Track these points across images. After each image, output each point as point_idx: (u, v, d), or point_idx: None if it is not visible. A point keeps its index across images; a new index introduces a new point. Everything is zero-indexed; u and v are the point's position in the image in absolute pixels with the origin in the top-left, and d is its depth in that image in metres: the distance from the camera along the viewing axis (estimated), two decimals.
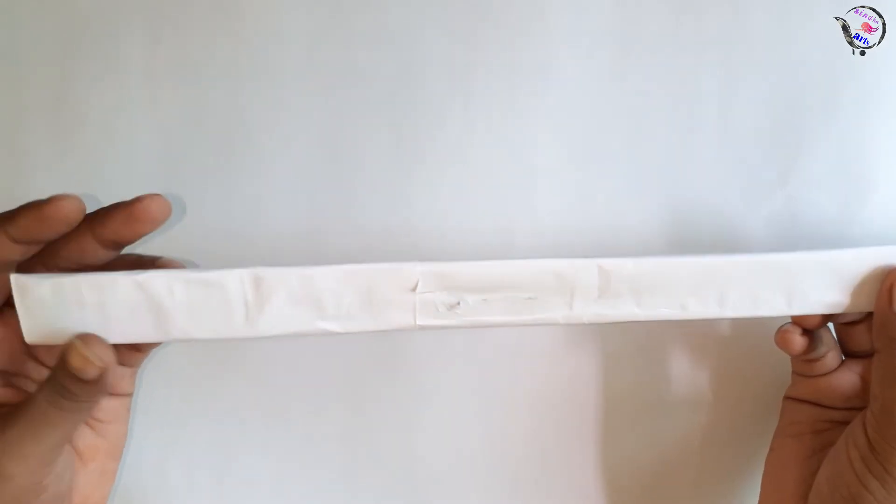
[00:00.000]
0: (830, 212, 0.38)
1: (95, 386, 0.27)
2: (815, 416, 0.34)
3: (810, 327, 0.32)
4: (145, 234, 0.29)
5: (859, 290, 0.31)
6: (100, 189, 0.36)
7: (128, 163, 0.36)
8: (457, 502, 0.39)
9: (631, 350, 0.39)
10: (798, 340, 0.32)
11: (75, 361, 0.26)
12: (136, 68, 0.36)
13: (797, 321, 0.32)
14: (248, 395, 0.38)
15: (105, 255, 0.29)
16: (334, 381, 0.38)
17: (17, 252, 0.28)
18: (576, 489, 0.39)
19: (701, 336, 0.39)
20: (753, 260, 0.30)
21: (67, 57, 0.36)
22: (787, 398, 0.36)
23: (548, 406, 0.39)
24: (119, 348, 0.30)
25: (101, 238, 0.28)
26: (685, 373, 0.39)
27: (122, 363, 0.32)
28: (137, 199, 0.28)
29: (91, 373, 0.27)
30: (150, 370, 0.37)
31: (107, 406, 0.32)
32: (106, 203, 0.29)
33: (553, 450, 0.39)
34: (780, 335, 0.33)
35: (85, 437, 0.31)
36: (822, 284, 0.30)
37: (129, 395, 0.33)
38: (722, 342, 0.39)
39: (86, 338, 0.27)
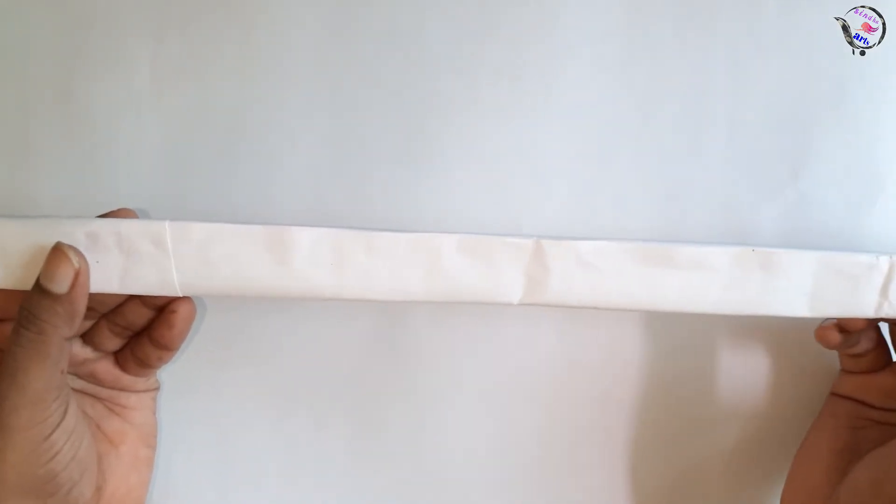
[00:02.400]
0: (840, 209, 0.38)
1: (60, 304, 0.28)
2: (855, 412, 0.35)
3: (852, 330, 0.32)
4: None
5: None
6: (105, 186, 0.36)
7: (134, 160, 0.36)
8: (466, 501, 0.39)
9: (650, 347, 0.38)
10: (835, 336, 0.33)
11: (54, 259, 0.28)
12: (142, 65, 0.36)
13: (841, 324, 0.33)
14: (252, 390, 0.38)
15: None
16: (340, 378, 0.38)
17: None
18: (588, 489, 0.39)
19: (731, 340, 0.38)
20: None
21: (74, 54, 0.36)
22: (831, 394, 0.36)
23: (560, 403, 0.38)
24: (128, 364, 0.33)
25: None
26: (712, 377, 0.38)
27: (133, 374, 0.33)
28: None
29: (66, 276, 0.28)
30: None
31: (129, 396, 0.33)
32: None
33: (566, 449, 0.39)
34: (819, 332, 0.33)
35: (112, 422, 0.33)
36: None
37: (153, 390, 0.34)
38: (753, 348, 0.38)
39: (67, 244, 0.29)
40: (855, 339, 0.33)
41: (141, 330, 0.32)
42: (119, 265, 0.29)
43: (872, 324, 0.33)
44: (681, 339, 0.38)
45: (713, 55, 0.38)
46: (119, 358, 0.33)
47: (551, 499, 0.39)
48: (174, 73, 0.36)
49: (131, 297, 0.31)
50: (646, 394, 0.38)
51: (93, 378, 0.33)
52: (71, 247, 0.28)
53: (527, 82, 0.37)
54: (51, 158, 0.36)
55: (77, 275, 0.28)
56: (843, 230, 0.38)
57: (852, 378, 0.35)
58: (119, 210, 0.31)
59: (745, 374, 0.38)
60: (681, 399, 0.38)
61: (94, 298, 0.30)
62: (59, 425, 0.29)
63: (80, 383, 0.33)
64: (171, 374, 0.37)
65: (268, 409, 0.38)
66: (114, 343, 0.33)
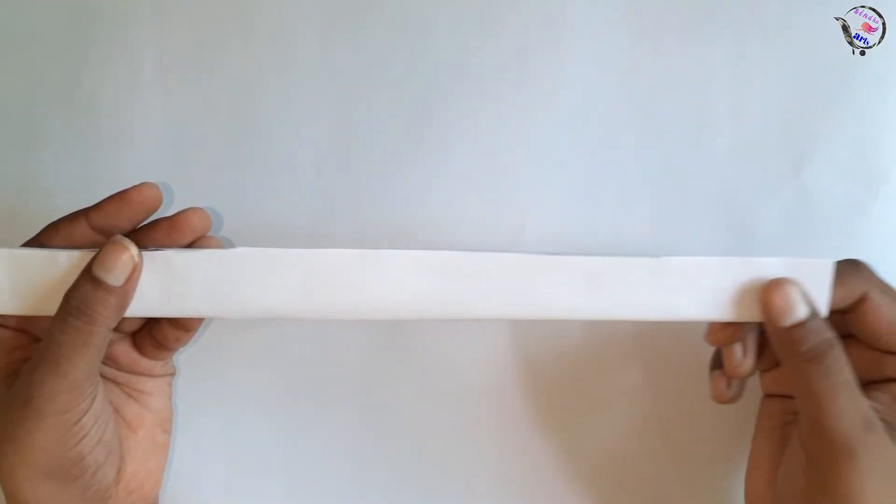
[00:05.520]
0: (841, 204, 0.38)
1: (113, 296, 0.28)
2: (783, 407, 0.34)
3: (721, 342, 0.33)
4: (138, 220, 0.31)
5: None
6: (110, 179, 0.36)
7: (139, 152, 0.37)
8: (466, 493, 0.39)
9: (623, 344, 0.38)
10: (727, 393, 0.33)
11: (115, 251, 0.28)
12: (147, 58, 0.37)
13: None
14: (258, 383, 0.38)
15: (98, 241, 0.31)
16: (343, 371, 0.38)
17: (91, 241, 0.30)
18: (584, 485, 0.39)
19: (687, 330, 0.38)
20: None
21: (80, 45, 0.36)
22: (763, 396, 0.36)
23: (552, 396, 0.38)
24: (146, 346, 0.33)
25: (94, 224, 0.31)
26: (680, 369, 0.39)
27: (151, 357, 0.33)
28: (131, 187, 0.31)
29: (124, 268, 0.28)
30: None
31: (146, 381, 0.34)
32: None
33: (560, 442, 0.39)
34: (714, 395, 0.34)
35: (130, 407, 0.33)
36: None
37: (169, 375, 0.35)
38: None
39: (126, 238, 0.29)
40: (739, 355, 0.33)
41: None
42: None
43: (739, 337, 0.32)
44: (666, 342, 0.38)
45: (721, 49, 0.38)
46: (137, 340, 0.33)
47: (552, 490, 0.39)
48: (179, 65, 0.37)
49: None
50: (629, 388, 0.38)
51: (112, 361, 0.33)
52: (130, 241, 0.29)
53: (531, 77, 0.37)
54: (57, 149, 0.37)
55: (134, 269, 0.29)
56: (845, 224, 0.38)
57: (768, 376, 0.35)
58: (142, 184, 0.31)
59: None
60: (642, 387, 0.39)
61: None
62: (89, 409, 0.29)
63: (101, 367, 0.33)
64: (181, 363, 0.37)
65: (274, 399, 0.38)
66: (132, 323, 0.33)
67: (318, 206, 0.37)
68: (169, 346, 0.33)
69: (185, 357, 0.37)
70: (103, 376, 0.33)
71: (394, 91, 0.37)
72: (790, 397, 0.34)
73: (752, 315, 0.30)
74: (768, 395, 0.35)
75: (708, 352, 0.35)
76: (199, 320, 0.32)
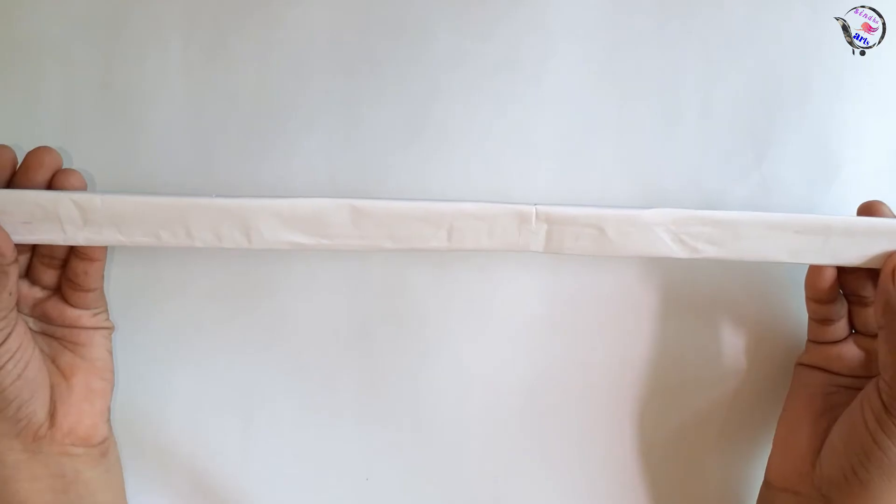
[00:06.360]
0: (799, 191, 0.40)
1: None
2: (824, 380, 0.37)
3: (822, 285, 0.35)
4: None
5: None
6: (141, 163, 0.39)
7: (166, 140, 0.39)
8: (464, 441, 0.40)
9: (645, 301, 0.40)
10: (829, 275, 0.35)
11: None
12: (174, 55, 0.39)
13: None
14: (270, 344, 0.40)
15: None
16: (347, 329, 0.40)
17: None
18: (584, 428, 0.40)
19: (718, 307, 0.40)
20: None
21: (113, 44, 0.39)
22: (798, 364, 0.38)
23: (554, 339, 0.40)
24: (68, 292, 0.35)
25: None
26: (702, 337, 0.40)
27: (75, 303, 0.36)
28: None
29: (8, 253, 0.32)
30: (177, 334, 0.40)
31: (80, 333, 0.36)
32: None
33: (561, 384, 0.40)
34: (814, 268, 0.35)
35: (64, 357, 0.36)
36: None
37: (105, 328, 0.37)
38: (737, 314, 0.40)
39: None
40: (838, 299, 0.36)
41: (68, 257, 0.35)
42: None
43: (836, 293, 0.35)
44: (676, 293, 0.40)
45: (693, 51, 0.39)
46: (62, 291, 0.36)
47: (550, 449, 0.41)
48: (203, 62, 0.39)
49: None
50: (635, 348, 0.40)
51: (45, 317, 0.35)
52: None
53: (521, 73, 0.39)
54: (93, 138, 0.39)
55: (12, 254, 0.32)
56: (801, 209, 0.39)
57: (818, 349, 0.37)
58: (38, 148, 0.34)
59: (731, 341, 0.40)
60: (676, 357, 0.40)
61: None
62: (1, 344, 0.32)
63: (38, 325, 0.36)
64: (191, 345, 0.40)
65: (286, 358, 0.40)
66: (49, 275, 0.35)
67: (327, 192, 0.39)
68: (80, 281, 0.35)
69: (196, 339, 0.40)
70: (43, 333, 0.36)
71: (398, 84, 0.39)
72: (833, 372, 0.36)
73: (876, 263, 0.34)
74: (807, 366, 0.37)
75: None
76: (103, 250, 0.35)
